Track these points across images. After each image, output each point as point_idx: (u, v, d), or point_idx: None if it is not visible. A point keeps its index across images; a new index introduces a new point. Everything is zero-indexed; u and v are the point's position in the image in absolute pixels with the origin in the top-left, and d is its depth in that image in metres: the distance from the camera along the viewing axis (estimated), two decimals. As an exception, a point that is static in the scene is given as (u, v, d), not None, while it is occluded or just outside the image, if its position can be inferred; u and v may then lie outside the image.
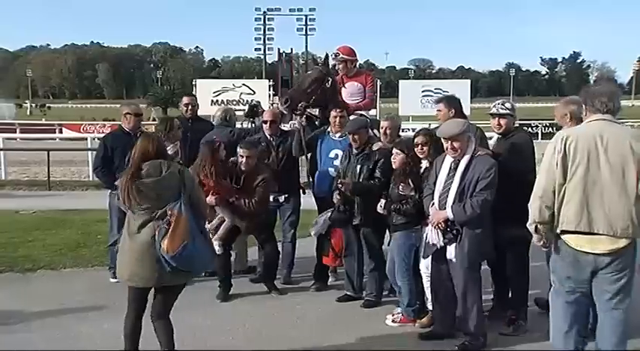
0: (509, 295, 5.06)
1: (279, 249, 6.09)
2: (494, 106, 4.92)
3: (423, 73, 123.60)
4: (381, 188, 5.14)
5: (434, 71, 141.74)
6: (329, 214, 5.65)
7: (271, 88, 35.02)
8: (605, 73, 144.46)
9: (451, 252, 4.46)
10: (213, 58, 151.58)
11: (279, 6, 57.85)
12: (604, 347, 3.82)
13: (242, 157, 5.62)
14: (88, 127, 33.32)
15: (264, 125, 6.14)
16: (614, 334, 3.79)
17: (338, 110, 5.89)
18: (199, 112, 7.08)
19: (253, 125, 6.77)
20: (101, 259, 6.83)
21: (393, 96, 45.83)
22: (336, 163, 5.81)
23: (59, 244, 7.63)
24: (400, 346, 4.72)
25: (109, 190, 6.31)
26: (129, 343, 4.10)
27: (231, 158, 5.76)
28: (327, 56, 6.33)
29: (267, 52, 56.29)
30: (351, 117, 5.99)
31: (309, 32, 56.31)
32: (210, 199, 5.50)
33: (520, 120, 26.97)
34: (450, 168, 4.48)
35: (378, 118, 7.41)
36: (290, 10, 56.53)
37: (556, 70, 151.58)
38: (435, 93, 28.39)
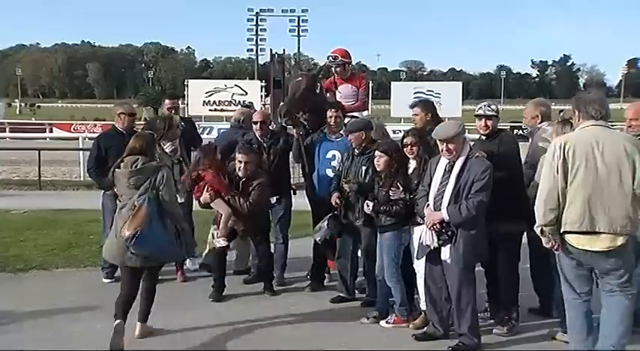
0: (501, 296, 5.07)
1: (272, 250, 6.10)
2: (480, 107, 4.94)
3: (415, 75, 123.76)
4: None
5: (425, 73, 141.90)
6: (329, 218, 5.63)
7: (263, 89, 34.93)
8: (594, 76, 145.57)
9: (446, 253, 4.48)
10: (205, 59, 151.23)
11: (271, 7, 57.99)
12: (610, 338, 4.00)
13: (240, 162, 5.57)
14: (79, 126, 33.09)
15: (254, 126, 6.10)
16: (620, 325, 3.99)
17: (333, 110, 5.90)
18: (191, 113, 7.07)
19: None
20: (93, 259, 6.79)
21: (384, 97, 45.86)
22: (334, 163, 5.83)
23: (51, 244, 7.59)
24: (394, 347, 4.73)
25: (102, 191, 6.30)
26: (120, 313, 4.65)
27: (230, 163, 5.74)
28: (317, 65, 6.37)
29: (259, 52, 56.39)
30: (346, 120, 6.01)
31: (301, 33, 56.50)
32: (206, 195, 5.51)
33: (510, 122, 27.24)
34: (445, 170, 4.51)
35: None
36: (282, 11, 56.58)
37: (546, 72, 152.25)
38: (427, 95, 28.50)
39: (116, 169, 4.69)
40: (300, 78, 5.92)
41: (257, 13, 55.67)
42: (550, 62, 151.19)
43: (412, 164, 4.97)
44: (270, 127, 6.20)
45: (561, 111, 24.80)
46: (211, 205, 5.62)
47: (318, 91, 6.18)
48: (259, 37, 56.09)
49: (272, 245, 6.13)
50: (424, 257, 4.67)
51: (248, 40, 56.88)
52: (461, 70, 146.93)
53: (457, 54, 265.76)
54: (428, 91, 32.43)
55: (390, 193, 4.85)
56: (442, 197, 4.45)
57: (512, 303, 4.95)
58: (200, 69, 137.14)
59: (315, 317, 5.35)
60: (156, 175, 4.58)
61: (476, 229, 4.44)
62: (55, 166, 16.22)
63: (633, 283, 3.99)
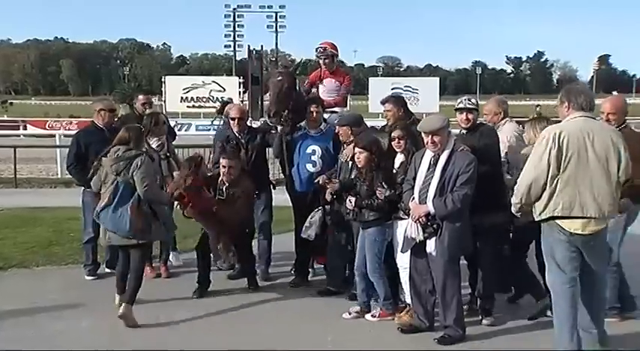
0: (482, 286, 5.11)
1: (256, 246, 6.10)
2: (461, 101, 4.99)
3: (392, 71, 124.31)
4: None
5: (402, 69, 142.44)
6: (317, 215, 5.62)
7: (241, 85, 34.79)
8: (567, 72, 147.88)
9: (431, 246, 4.51)
10: (182, 55, 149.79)
11: (249, 3, 57.58)
12: (590, 312, 4.22)
13: (224, 167, 5.55)
14: (54, 123, 32.60)
15: (231, 122, 6.07)
16: (600, 300, 4.30)
17: (314, 105, 5.90)
18: (169, 109, 7.04)
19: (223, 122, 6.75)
20: (75, 256, 6.72)
21: (361, 93, 45.97)
22: (314, 158, 5.82)
23: (31, 242, 7.49)
24: (380, 340, 4.76)
25: (82, 188, 6.23)
26: (118, 288, 5.32)
27: (216, 170, 5.73)
28: (295, 61, 6.35)
29: (236, 48, 56.06)
30: (325, 115, 6.03)
31: (279, 29, 56.28)
32: (189, 211, 5.52)
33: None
34: (430, 163, 4.53)
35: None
36: (260, 7, 56.34)
37: (521, 68, 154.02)
38: (405, 90, 28.70)
39: (103, 158, 5.13)
40: (281, 77, 5.88)
41: (234, 9, 55.29)
42: (524, 58, 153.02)
43: (400, 158, 4.98)
44: (247, 123, 6.17)
45: (537, 106, 25.17)
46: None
47: (299, 90, 6.19)
48: (237, 33, 55.73)
49: (255, 241, 6.12)
50: (409, 250, 4.69)
51: (226, 36, 56.53)
52: (437, 65, 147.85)
53: (433, 50, 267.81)
54: (406, 86, 32.72)
55: (377, 193, 4.85)
56: (427, 190, 4.48)
57: (492, 294, 5.01)
58: (176, 65, 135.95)
59: (300, 312, 5.35)
60: (132, 161, 5.02)
61: (461, 221, 4.48)
62: (30, 163, 15.98)
63: (609, 260, 4.38)
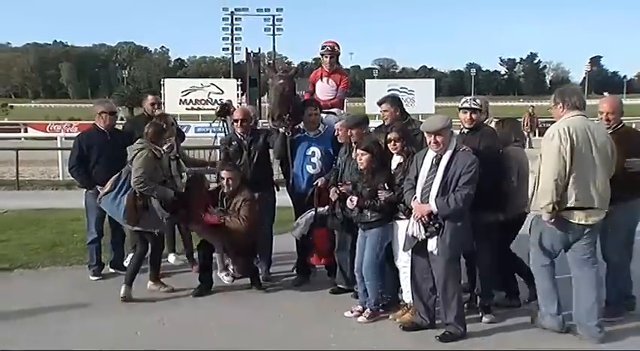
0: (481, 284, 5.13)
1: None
2: (466, 101, 5.00)
3: (387, 73, 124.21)
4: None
5: (397, 71, 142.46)
6: (309, 215, 5.65)
7: (239, 88, 34.74)
8: (560, 73, 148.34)
9: (432, 245, 4.51)
10: (180, 58, 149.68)
11: (246, 6, 57.53)
12: (585, 303, 4.49)
13: (223, 178, 5.62)
14: (55, 126, 32.52)
15: (235, 124, 6.07)
16: (594, 290, 4.51)
17: (312, 108, 5.91)
18: (168, 111, 7.02)
19: (225, 124, 6.75)
20: (79, 257, 6.71)
21: (358, 95, 45.95)
22: (314, 160, 5.83)
23: (35, 243, 7.46)
24: (382, 338, 4.76)
25: (85, 189, 6.23)
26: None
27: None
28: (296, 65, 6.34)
29: (234, 51, 55.86)
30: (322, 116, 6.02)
31: (276, 32, 56.07)
32: (195, 227, 5.72)
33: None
34: (432, 163, 4.54)
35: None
36: (257, 10, 56.00)
37: (514, 70, 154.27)
38: (401, 92, 28.71)
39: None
40: (282, 81, 5.88)
41: (232, 12, 55.08)
42: (518, 60, 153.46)
43: (397, 159, 4.99)
44: (250, 125, 6.17)
45: (532, 106, 25.32)
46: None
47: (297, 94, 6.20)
48: (235, 36, 55.47)
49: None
50: (410, 249, 4.70)
51: (223, 39, 56.22)
52: (432, 67, 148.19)
53: (428, 52, 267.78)
54: (402, 88, 32.68)
55: (379, 195, 4.86)
56: (430, 190, 4.49)
57: (491, 292, 5.04)
58: (174, 68, 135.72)
59: (302, 311, 5.36)
60: (138, 152, 5.40)
61: (461, 221, 4.49)
62: (32, 166, 15.91)
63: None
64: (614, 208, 4.58)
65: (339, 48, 6.54)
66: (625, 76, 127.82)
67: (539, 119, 23.41)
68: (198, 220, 5.63)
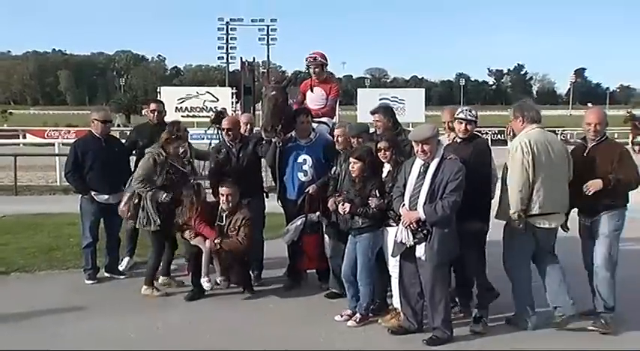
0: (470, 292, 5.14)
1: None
2: (462, 111, 4.94)
3: (379, 82, 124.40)
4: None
5: (389, 80, 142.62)
6: (299, 221, 5.66)
7: (234, 96, 34.76)
8: (545, 84, 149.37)
9: (420, 251, 4.53)
10: (176, 66, 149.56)
11: (241, 16, 57.61)
12: (553, 284, 4.85)
13: (223, 195, 5.62)
14: (53, 132, 32.37)
15: (223, 132, 6.07)
16: (561, 283, 4.83)
17: (303, 116, 5.91)
18: (165, 119, 6.95)
19: (219, 131, 6.75)
20: (75, 261, 6.68)
21: (349, 104, 46.08)
22: (305, 168, 5.83)
23: (32, 247, 7.41)
24: (371, 341, 4.77)
25: (80, 195, 6.21)
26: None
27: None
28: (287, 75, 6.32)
29: (229, 60, 55.84)
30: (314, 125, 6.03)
31: (270, 42, 56.15)
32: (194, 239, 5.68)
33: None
34: (420, 171, 4.56)
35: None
36: (252, 20, 56.12)
37: (502, 80, 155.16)
38: (392, 100, 28.81)
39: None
40: (274, 92, 5.88)
41: (227, 22, 55.12)
42: (505, 71, 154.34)
43: (387, 167, 5.00)
44: (239, 132, 6.16)
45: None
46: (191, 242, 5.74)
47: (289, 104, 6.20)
48: (230, 45, 55.47)
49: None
50: (399, 255, 4.71)
51: (219, 48, 56.25)
52: (422, 77, 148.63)
53: (418, 62, 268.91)
54: (392, 97, 32.80)
55: (369, 202, 4.88)
56: (418, 197, 4.50)
57: (484, 300, 4.98)
58: (171, 76, 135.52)
59: (294, 315, 5.36)
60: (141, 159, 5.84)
61: (449, 227, 4.51)
62: (30, 171, 15.84)
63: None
64: (599, 217, 4.77)
65: (323, 58, 6.49)
66: (608, 88, 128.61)
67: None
68: (194, 228, 5.64)
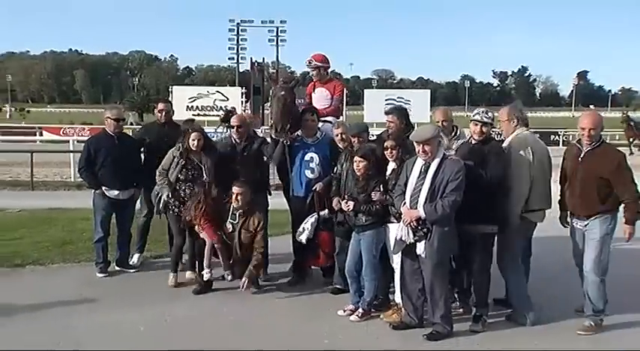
0: (472, 292, 5.09)
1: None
2: (477, 113, 4.84)
3: (385, 83, 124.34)
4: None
5: (395, 81, 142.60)
6: (313, 219, 5.61)
7: (244, 95, 34.76)
8: (549, 86, 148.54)
9: (421, 248, 4.52)
10: (188, 66, 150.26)
11: (251, 18, 57.74)
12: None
13: (233, 194, 5.59)
14: (68, 130, 32.52)
15: (232, 129, 6.07)
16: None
17: (309, 114, 5.92)
18: (175, 118, 6.99)
19: (229, 130, 6.76)
20: (87, 255, 6.70)
21: (356, 104, 45.97)
22: (312, 165, 5.82)
23: (46, 241, 7.46)
24: (373, 336, 4.77)
25: (93, 190, 6.25)
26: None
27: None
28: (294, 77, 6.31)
29: (239, 61, 55.85)
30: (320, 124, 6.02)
31: (280, 43, 56.11)
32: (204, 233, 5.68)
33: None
34: (421, 170, 4.55)
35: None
36: (262, 22, 56.07)
37: (506, 82, 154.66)
38: (398, 101, 28.73)
39: None
40: (283, 92, 5.87)
41: (238, 23, 55.13)
42: (509, 72, 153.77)
43: (392, 165, 4.99)
44: (247, 130, 6.15)
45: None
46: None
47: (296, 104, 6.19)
48: (240, 46, 55.46)
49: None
50: (400, 251, 4.71)
51: (229, 49, 56.29)
52: (428, 78, 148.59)
53: (425, 64, 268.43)
54: (399, 97, 32.66)
55: (372, 195, 4.88)
56: (418, 196, 4.49)
57: (484, 301, 4.94)
58: (182, 76, 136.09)
59: (298, 309, 5.37)
60: None
61: (448, 226, 4.50)
62: (46, 167, 15.92)
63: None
64: (591, 221, 4.71)
65: (319, 61, 6.47)
66: (610, 90, 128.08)
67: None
68: (206, 228, 5.63)
